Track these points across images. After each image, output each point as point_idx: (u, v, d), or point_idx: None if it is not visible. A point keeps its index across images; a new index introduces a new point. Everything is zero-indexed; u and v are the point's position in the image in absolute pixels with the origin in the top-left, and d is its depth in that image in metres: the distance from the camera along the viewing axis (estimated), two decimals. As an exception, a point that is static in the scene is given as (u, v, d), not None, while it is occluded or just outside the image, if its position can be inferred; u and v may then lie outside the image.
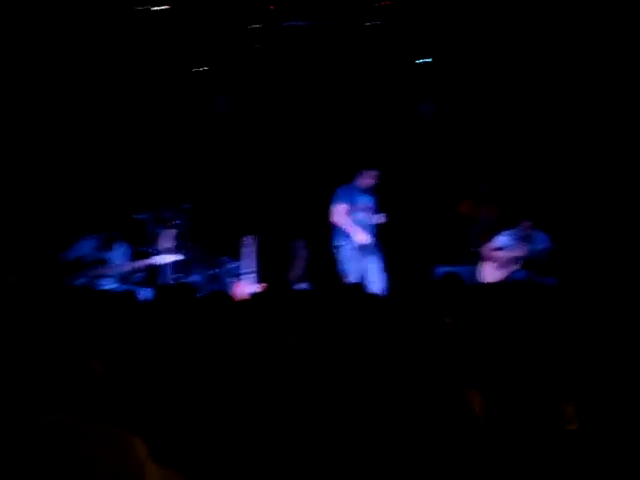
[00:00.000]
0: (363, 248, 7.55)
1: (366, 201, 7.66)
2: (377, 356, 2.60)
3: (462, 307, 3.40)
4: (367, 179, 7.62)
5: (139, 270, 7.39)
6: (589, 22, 8.13)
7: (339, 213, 7.59)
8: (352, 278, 7.43)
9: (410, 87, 9.36)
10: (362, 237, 7.49)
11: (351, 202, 7.61)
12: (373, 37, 8.78)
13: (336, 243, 7.64)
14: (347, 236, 7.56)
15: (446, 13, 8.18)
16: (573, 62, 8.70)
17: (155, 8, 7.85)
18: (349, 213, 7.58)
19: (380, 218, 7.59)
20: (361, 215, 7.60)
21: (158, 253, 7.59)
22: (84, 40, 8.21)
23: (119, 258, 7.31)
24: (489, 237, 8.02)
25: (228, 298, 3.14)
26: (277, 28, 8.52)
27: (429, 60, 9.12)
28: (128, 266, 7.30)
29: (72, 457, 1.46)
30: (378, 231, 7.70)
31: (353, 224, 7.54)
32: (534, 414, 2.61)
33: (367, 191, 7.67)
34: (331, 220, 7.63)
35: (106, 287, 6.88)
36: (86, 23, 7.92)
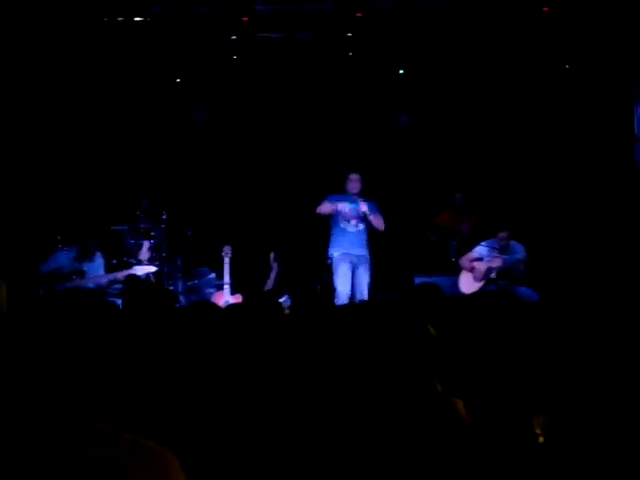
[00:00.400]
0: (354, 258, 7.52)
1: (352, 209, 7.56)
2: (361, 365, 2.59)
3: (439, 317, 3.41)
4: (352, 183, 7.57)
5: (117, 281, 7.34)
6: (561, 39, 8.28)
7: (321, 205, 7.55)
8: (342, 288, 7.42)
9: (387, 98, 9.42)
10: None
11: (336, 207, 7.55)
12: (350, 48, 8.84)
13: (329, 254, 7.61)
14: (338, 246, 7.53)
15: (421, 26, 8.26)
16: (548, 76, 8.84)
17: (135, 19, 7.85)
18: (333, 218, 7.56)
19: (364, 206, 7.46)
20: (346, 223, 7.53)
21: (136, 264, 7.55)
22: (61, 51, 8.17)
23: (97, 269, 7.27)
24: (468, 248, 8.05)
25: (215, 308, 3.13)
26: (255, 39, 8.53)
27: (405, 72, 9.20)
28: (106, 277, 7.27)
29: (111, 469, 1.44)
30: (369, 242, 7.66)
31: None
32: (507, 425, 2.63)
33: (355, 198, 7.55)
34: (316, 212, 7.57)
35: (84, 298, 6.83)
36: (65, 34, 7.88)
